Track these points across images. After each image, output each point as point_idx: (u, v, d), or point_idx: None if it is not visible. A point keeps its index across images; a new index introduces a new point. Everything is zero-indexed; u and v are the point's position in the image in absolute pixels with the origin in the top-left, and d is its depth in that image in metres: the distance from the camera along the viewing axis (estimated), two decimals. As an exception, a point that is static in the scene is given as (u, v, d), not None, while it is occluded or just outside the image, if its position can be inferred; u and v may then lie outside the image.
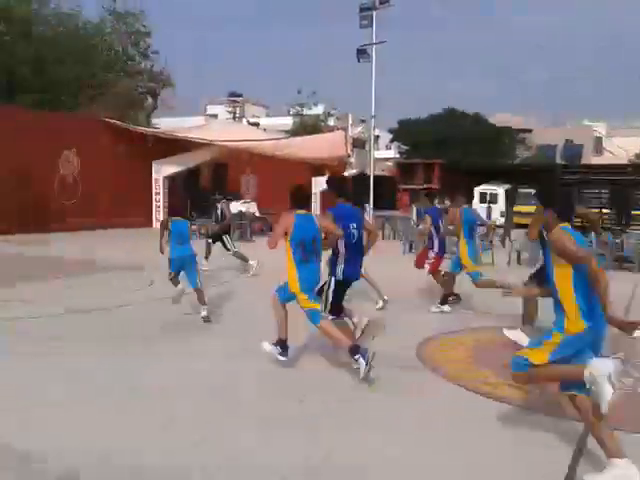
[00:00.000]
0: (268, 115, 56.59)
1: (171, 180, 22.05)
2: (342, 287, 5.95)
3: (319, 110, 38.66)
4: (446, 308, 8.00)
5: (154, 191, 21.94)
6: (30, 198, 17.18)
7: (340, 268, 5.83)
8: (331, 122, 38.73)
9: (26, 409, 4.20)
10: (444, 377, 5.27)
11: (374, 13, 17.75)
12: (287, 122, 40.51)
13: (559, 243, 3.53)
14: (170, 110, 28.44)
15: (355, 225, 5.94)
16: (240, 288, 9.54)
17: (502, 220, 20.51)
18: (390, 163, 59.41)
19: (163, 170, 21.81)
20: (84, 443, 3.69)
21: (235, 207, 19.15)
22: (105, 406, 4.32)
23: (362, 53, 18.08)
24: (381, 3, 17.72)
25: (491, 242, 13.74)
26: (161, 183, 21.93)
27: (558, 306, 3.59)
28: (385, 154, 57.85)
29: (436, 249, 8.62)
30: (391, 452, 3.72)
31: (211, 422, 4.09)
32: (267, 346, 5.22)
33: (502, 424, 4.25)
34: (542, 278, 4.52)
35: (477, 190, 35.35)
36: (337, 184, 6.43)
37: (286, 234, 5.06)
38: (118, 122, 21.71)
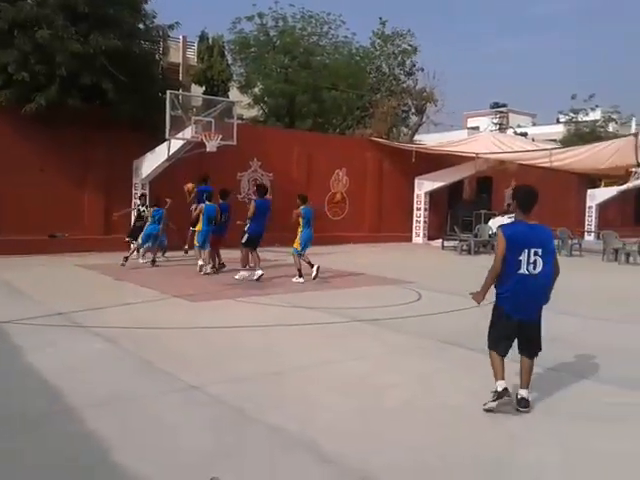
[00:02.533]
0: (534, 124, 53.38)
1: (430, 196, 22.06)
2: None
3: (596, 115, 34.83)
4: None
5: (415, 206, 22.16)
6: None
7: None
8: (610, 128, 34.57)
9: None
10: None
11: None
12: (558, 130, 37.49)
13: None
14: (435, 126, 28.46)
15: None
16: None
17: None
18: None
19: (425, 186, 21.90)
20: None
21: (500, 221, 18.19)
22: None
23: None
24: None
25: None
26: (422, 199, 22.05)
27: None
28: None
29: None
30: None
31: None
32: None
33: None
34: None
35: None
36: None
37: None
38: (383, 140, 22.47)
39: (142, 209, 13.46)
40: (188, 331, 7.00)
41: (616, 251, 16.97)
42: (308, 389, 5.01)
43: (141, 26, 15.57)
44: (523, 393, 4.50)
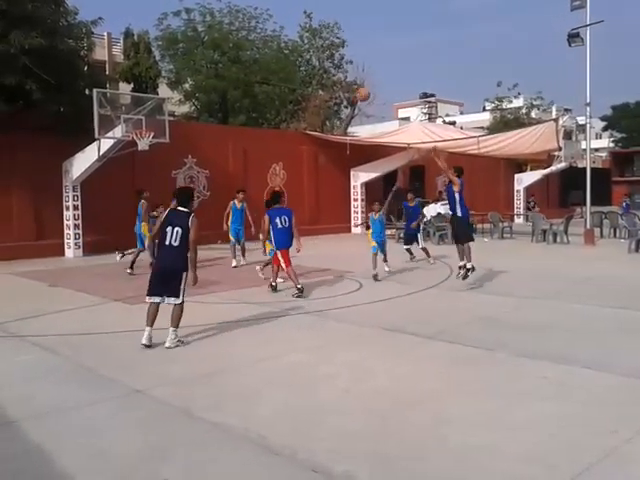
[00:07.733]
0: (462, 112, 55.00)
1: (366, 186, 22.38)
2: None
3: (519, 102, 36.29)
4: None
5: (352, 197, 22.46)
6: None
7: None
8: (533, 114, 36.10)
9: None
10: None
11: (589, -8, 16.01)
12: (485, 118, 38.85)
13: None
14: (367, 118, 28.87)
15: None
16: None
17: None
18: (602, 154, 53.84)
19: (360, 177, 22.23)
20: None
21: (434, 209, 18.72)
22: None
23: (574, 37, 16.28)
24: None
25: None
26: (359, 189, 22.36)
27: None
28: (596, 144, 52.71)
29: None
30: None
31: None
32: None
33: None
34: None
35: None
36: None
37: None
38: (317, 134, 22.63)
39: None
40: (128, 335, 6.89)
41: (544, 232, 17.82)
42: (252, 385, 5.05)
43: (63, 22, 15.03)
44: (468, 265, 9.41)
